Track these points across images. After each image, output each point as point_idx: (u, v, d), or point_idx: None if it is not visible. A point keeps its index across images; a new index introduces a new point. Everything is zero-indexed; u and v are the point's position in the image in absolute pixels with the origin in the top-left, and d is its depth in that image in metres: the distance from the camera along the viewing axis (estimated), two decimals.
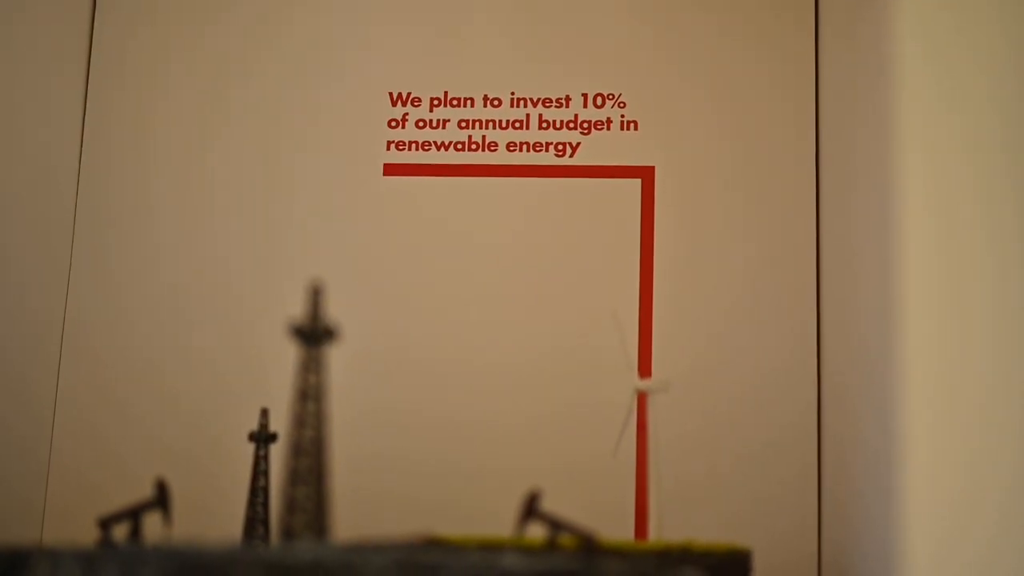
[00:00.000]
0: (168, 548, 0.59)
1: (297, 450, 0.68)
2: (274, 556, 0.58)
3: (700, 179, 1.07)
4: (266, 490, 0.92)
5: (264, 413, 0.94)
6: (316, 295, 0.70)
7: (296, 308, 0.72)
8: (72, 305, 1.08)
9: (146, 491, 0.79)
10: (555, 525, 0.73)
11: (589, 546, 0.71)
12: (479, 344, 1.05)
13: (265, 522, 0.91)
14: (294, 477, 0.68)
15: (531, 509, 0.73)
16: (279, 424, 0.92)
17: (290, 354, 0.72)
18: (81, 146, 1.11)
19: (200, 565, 0.56)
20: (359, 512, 0.83)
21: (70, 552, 0.60)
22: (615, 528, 0.91)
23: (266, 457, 0.93)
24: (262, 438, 0.93)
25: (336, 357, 0.73)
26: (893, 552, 0.73)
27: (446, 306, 1.06)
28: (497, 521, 0.82)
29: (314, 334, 0.69)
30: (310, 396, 0.69)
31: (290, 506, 0.67)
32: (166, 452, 1.04)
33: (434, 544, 0.76)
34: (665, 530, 0.91)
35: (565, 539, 0.73)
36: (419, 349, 1.05)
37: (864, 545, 0.84)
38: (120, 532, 0.76)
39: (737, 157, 1.06)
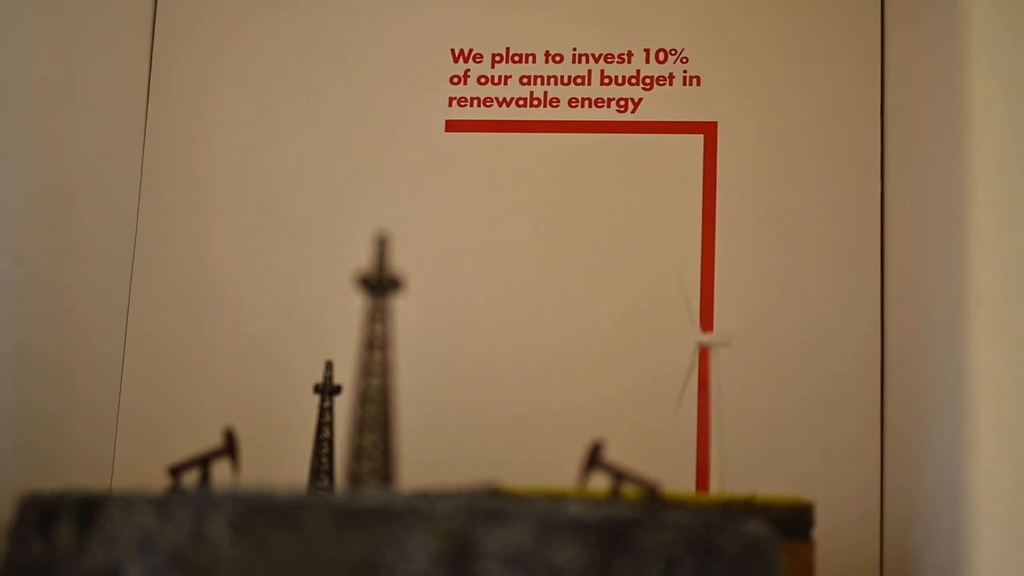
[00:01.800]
0: (239, 492, 0.60)
1: (364, 398, 0.69)
2: (343, 501, 0.59)
3: (763, 135, 1.06)
4: (331, 442, 0.94)
5: (329, 365, 0.95)
6: (382, 245, 0.71)
7: (359, 263, 0.72)
8: (140, 257, 1.09)
9: (213, 441, 0.81)
10: (618, 475, 0.73)
11: (653, 495, 0.71)
12: (542, 299, 1.05)
13: (330, 473, 0.92)
14: (361, 425, 0.69)
15: (594, 458, 0.74)
16: (343, 376, 0.93)
17: (354, 307, 0.73)
18: (149, 89, 1.12)
19: (270, 509, 0.57)
20: (424, 462, 0.84)
21: (143, 497, 0.61)
22: (677, 482, 0.91)
23: (331, 409, 0.94)
24: (327, 390, 0.94)
25: (401, 308, 0.73)
26: (960, 504, 0.73)
27: (509, 261, 1.06)
28: (560, 474, 0.82)
29: (380, 284, 0.70)
30: (376, 345, 0.70)
31: (357, 453, 0.68)
32: (232, 403, 1.05)
33: (498, 494, 0.77)
34: (727, 483, 0.91)
35: (628, 490, 0.74)
36: (482, 302, 1.06)
37: (928, 497, 0.84)
38: (189, 480, 0.77)
39: (801, 112, 1.06)
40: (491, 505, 0.58)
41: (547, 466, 0.87)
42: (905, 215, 0.96)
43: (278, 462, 0.98)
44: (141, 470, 1.00)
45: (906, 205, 0.96)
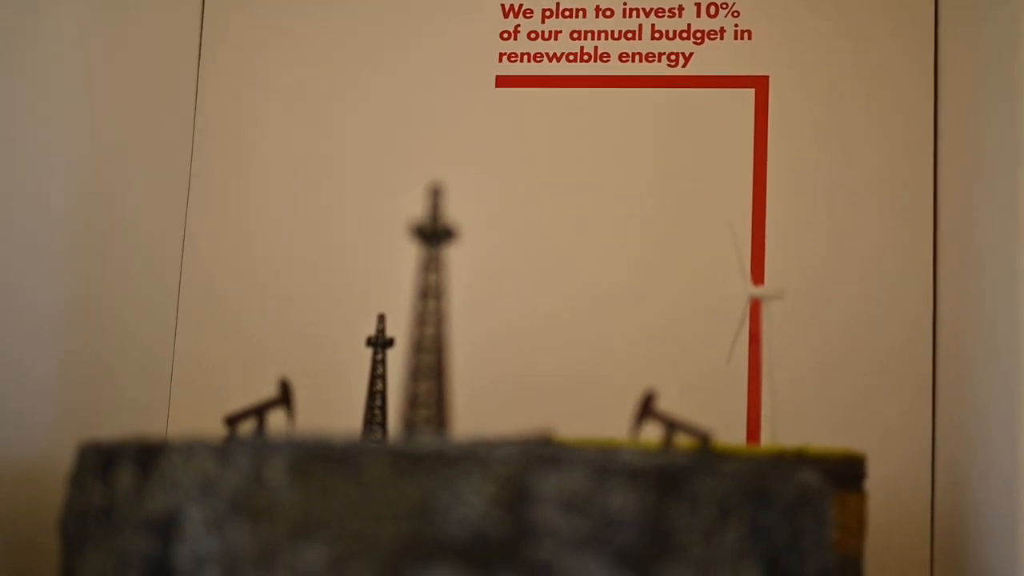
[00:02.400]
0: (297, 438, 0.61)
1: (418, 347, 0.69)
2: (399, 446, 0.59)
3: (815, 88, 1.05)
4: (383, 394, 0.94)
5: (381, 318, 0.96)
6: (436, 195, 0.71)
7: (413, 216, 0.73)
8: (193, 209, 1.10)
9: (267, 393, 0.81)
10: (671, 424, 0.74)
11: (705, 444, 0.71)
12: (592, 252, 1.05)
13: (383, 424, 0.93)
14: (416, 373, 0.69)
15: (647, 408, 0.74)
16: (397, 330, 0.94)
17: (408, 260, 0.74)
18: (201, 35, 1.13)
19: (328, 454, 0.58)
20: (477, 411, 0.85)
21: (203, 442, 0.62)
22: (728, 434, 0.91)
23: (383, 362, 0.95)
24: (380, 343, 0.95)
25: (454, 259, 0.74)
26: (1015, 455, 0.73)
27: (559, 216, 1.06)
28: (612, 426, 0.82)
29: (434, 233, 0.70)
30: (430, 295, 0.70)
31: (412, 401, 0.69)
32: (286, 355, 1.06)
33: (551, 443, 0.77)
34: (778, 436, 0.91)
35: (680, 442, 0.74)
36: (533, 257, 1.06)
37: (981, 448, 0.83)
38: (245, 430, 0.78)
39: (853, 65, 1.05)
40: (546, 451, 0.59)
41: (599, 418, 0.87)
42: (958, 168, 0.95)
43: (331, 415, 0.99)
44: (196, 421, 1.01)
45: (960, 158, 0.95)
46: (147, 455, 0.63)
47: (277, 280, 1.08)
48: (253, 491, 0.58)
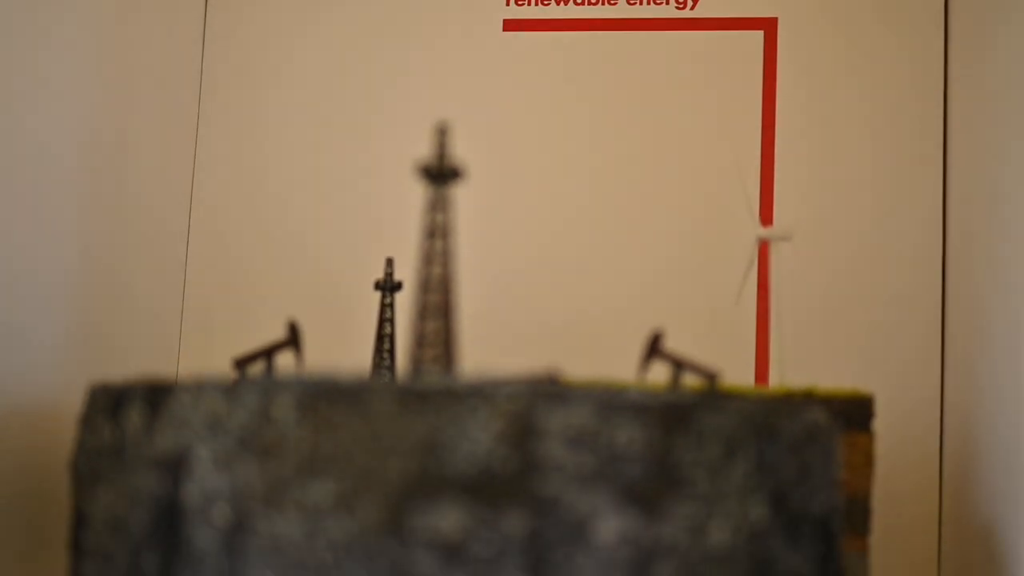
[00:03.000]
0: (304, 376, 0.61)
1: (425, 287, 0.69)
2: (406, 383, 0.59)
3: (824, 31, 1.05)
4: (392, 338, 0.94)
5: (389, 262, 0.96)
6: (443, 135, 0.71)
7: (418, 158, 0.72)
8: (201, 152, 1.10)
9: (275, 336, 0.81)
10: (678, 364, 0.74)
11: (712, 383, 0.71)
12: (600, 194, 1.05)
13: (391, 369, 0.93)
14: (423, 313, 0.69)
15: (655, 347, 0.74)
16: (404, 274, 0.94)
17: (415, 203, 0.74)
18: None
19: (336, 391, 0.58)
20: (484, 352, 0.84)
21: (211, 381, 0.62)
22: (736, 375, 0.91)
23: (391, 305, 0.95)
24: (388, 286, 0.95)
25: (461, 200, 0.74)
26: (1020, 396, 0.73)
27: (566, 157, 1.06)
28: (619, 367, 0.82)
29: (441, 173, 0.70)
30: (437, 234, 0.70)
31: (419, 340, 0.69)
32: (294, 299, 1.06)
33: (558, 382, 0.77)
34: (786, 378, 0.91)
35: (687, 383, 0.74)
36: (540, 198, 1.06)
37: (989, 389, 0.83)
38: (254, 372, 0.78)
39: (862, 6, 1.04)
40: (553, 388, 0.59)
41: (605, 359, 0.87)
42: (969, 108, 0.95)
43: (339, 358, 0.99)
44: (206, 364, 1.02)
45: (969, 97, 0.94)
46: (156, 395, 0.64)
47: (285, 223, 1.08)
48: (261, 429, 0.58)
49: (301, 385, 0.59)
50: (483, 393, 0.57)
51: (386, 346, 0.94)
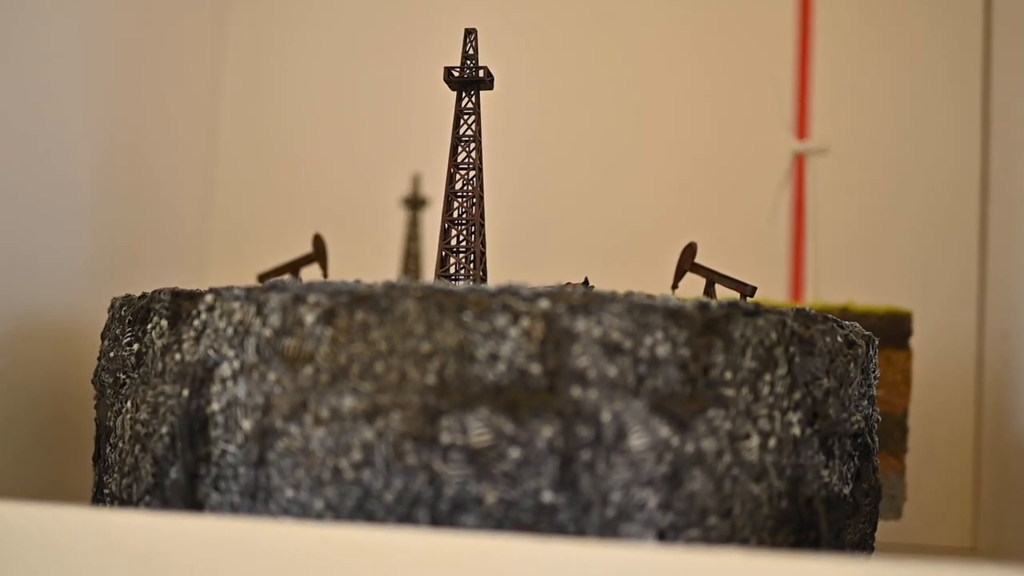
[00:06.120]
0: (329, 283, 0.60)
1: (453, 197, 0.68)
2: (435, 287, 0.58)
3: None
4: (417, 255, 0.93)
5: (416, 179, 0.94)
6: (470, 40, 0.69)
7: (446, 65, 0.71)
8: (230, 65, 1.08)
9: (300, 251, 0.80)
10: (712, 277, 0.72)
11: (746, 297, 0.70)
12: (635, 104, 1.02)
13: None
14: (451, 222, 0.67)
15: (689, 260, 0.72)
16: (431, 191, 0.92)
17: (445, 117, 0.72)
18: None
19: (361, 294, 0.57)
20: (512, 265, 0.83)
21: (234, 291, 0.60)
22: (770, 292, 0.89)
23: (417, 222, 0.94)
24: (414, 203, 0.94)
25: (491, 107, 0.72)
26: None
27: (600, 71, 1.04)
28: (651, 283, 0.81)
29: (469, 80, 0.68)
30: (465, 145, 0.68)
31: (447, 251, 0.67)
32: (321, 215, 1.04)
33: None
34: (821, 295, 0.89)
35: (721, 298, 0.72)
36: (573, 109, 1.03)
37: None
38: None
39: None
40: (585, 295, 0.57)
41: (636, 274, 0.86)
42: (1012, 19, 0.92)
43: (366, 276, 0.98)
44: (232, 280, 1.01)
45: (1013, 9, 0.91)
46: (180, 305, 0.62)
47: (312, 138, 1.06)
48: (287, 334, 0.57)
49: (326, 291, 0.57)
50: (515, 297, 0.56)
51: (412, 264, 0.93)
